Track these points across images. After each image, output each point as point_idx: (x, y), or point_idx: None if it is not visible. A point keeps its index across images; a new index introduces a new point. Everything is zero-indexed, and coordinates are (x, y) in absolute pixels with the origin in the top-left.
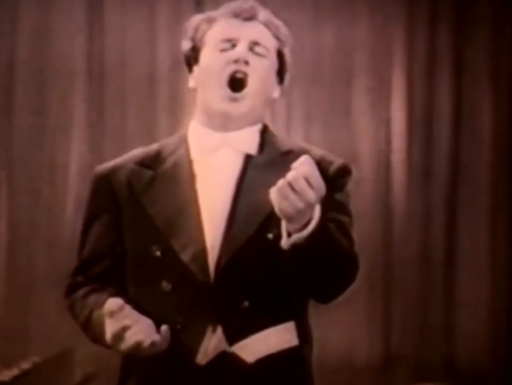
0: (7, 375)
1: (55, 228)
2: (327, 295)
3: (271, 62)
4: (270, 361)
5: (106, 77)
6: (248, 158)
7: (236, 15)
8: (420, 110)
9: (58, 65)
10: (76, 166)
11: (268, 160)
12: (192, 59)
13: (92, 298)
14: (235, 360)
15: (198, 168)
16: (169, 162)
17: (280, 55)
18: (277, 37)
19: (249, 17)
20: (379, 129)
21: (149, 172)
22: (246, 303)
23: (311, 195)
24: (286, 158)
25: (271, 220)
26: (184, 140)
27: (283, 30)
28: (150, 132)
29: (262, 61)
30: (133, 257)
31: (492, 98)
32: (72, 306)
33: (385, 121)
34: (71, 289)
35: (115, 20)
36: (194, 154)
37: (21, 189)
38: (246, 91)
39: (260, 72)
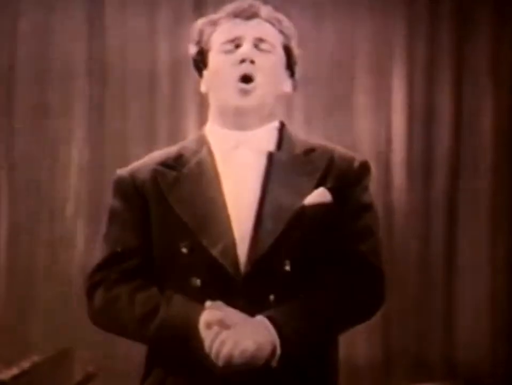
0: (7, 374)
1: (55, 227)
2: (360, 321)
3: (278, 57)
4: (294, 361)
5: (107, 77)
6: (270, 155)
7: (237, 15)
8: (420, 110)
9: (58, 65)
10: (76, 166)
11: (291, 158)
12: (200, 63)
13: (141, 296)
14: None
15: (221, 166)
16: (192, 162)
17: (287, 49)
18: (281, 32)
19: (251, 15)
20: (379, 129)
21: (173, 173)
22: (272, 297)
23: (227, 334)
24: (310, 155)
25: (299, 216)
26: (203, 141)
27: (287, 24)
28: (151, 132)
29: (269, 56)
30: (161, 254)
31: (492, 98)
32: (110, 302)
33: (385, 121)
34: (95, 286)
35: (115, 20)
36: (216, 153)
37: (21, 188)
38: (255, 84)
39: (267, 68)
